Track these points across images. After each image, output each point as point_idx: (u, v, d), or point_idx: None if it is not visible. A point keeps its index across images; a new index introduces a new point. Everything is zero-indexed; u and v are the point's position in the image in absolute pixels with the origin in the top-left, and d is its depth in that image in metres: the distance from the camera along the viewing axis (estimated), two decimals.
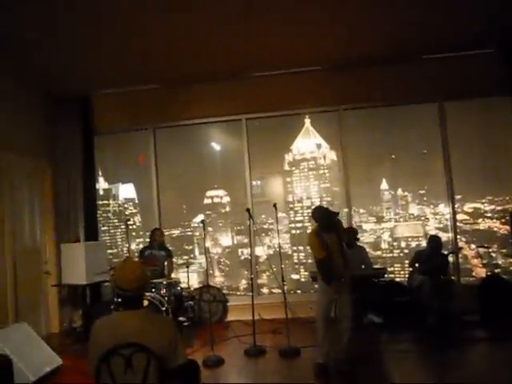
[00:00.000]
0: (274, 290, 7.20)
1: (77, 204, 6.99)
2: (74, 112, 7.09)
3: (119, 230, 7.90)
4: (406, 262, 6.68)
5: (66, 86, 6.79)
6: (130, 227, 6.97)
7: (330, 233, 4.47)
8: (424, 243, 6.77)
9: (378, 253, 7.41)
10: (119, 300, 5.57)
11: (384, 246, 7.47)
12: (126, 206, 8.06)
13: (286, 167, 7.75)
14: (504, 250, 6.83)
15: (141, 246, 7.24)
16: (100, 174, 7.77)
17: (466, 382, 4.00)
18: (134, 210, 8.08)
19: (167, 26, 5.21)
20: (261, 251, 7.30)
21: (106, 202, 7.97)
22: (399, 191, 7.49)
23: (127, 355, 2.29)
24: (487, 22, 5.57)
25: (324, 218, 4.50)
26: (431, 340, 5.32)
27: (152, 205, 7.33)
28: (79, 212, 7.00)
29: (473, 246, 7.02)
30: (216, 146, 7.69)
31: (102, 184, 7.90)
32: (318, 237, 4.47)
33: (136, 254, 6.72)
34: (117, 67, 6.27)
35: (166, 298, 5.83)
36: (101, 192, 7.84)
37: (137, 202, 8.09)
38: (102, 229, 7.69)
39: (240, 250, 7.81)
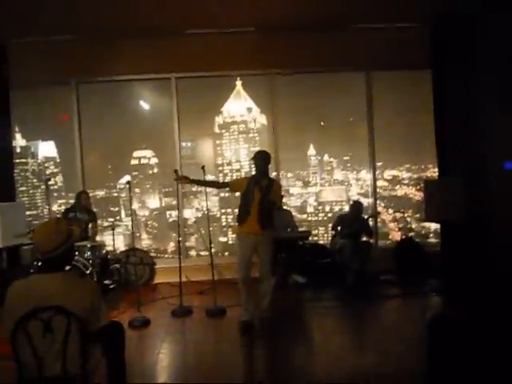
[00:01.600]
0: (201, 253, 7.25)
1: None
2: None
3: (39, 191, 7.47)
4: (330, 225, 6.98)
5: None
6: (51, 187, 6.63)
7: (261, 182, 4.50)
8: (347, 208, 7.10)
9: (304, 216, 7.68)
10: (39, 264, 5.41)
11: (309, 209, 7.74)
12: (46, 165, 7.60)
13: (217, 129, 7.68)
14: (417, 216, 7.35)
15: (62, 207, 6.93)
16: (17, 130, 7.23)
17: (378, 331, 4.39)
18: (56, 170, 7.65)
19: None
20: (189, 214, 7.27)
21: (23, 160, 7.46)
22: (325, 157, 7.74)
23: (46, 318, 2.22)
24: None
25: (259, 163, 4.56)
26: (351, 298, 5.70)
27: (75, 164, 6.98)
28: None
29: (390, 211, 7.48)
30: (144, 105, 7.40)
31: (19, 141, 7.36)
32: (247, 179, 4.61)
33: (58, 216, 6.43)
34: (37, 13, 5.67)
35: (91, 262, 5.69)
36: (18, 150, 7.31)
37: (58, 160, 7.64)
38: (20, 189, 7.22)
39: (168, 213, 7.74)
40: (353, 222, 6.46)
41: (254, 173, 4.72)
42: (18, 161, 7.18)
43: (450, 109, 6.58)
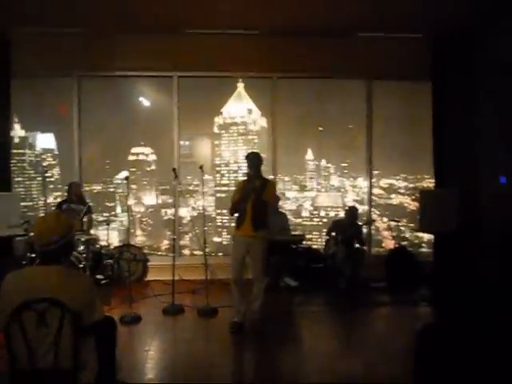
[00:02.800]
0: (195, 252, 7.26)
1: None
2: None
3: (35, 182, 7.45)
4: (324, 230, 7.01)
5: None
6: (48, 179, 6.61)
7: (254, 184, 4.50)
8: (341, 214, 7.14)
9: (299, 220, 7.71)
10: (32, 255, 5.41)
11: (305, 214, 7.77)
12: (43, 156, 7.57)
13: (216, 130, 7.69)
14: (412, 225, 7.39)
15: (58, 199, 6.90)
16: (16, 120, 7.20)
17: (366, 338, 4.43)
18: (53, 162, 7.62)
19: None
20: (185, 212, 7.28)
21: (21, 151, 7.42)
22: (323, 162, 7.77)
23: (40, 310, 2.23)
24: (421, 7, 5.77)
25: (252, 164, 4.58)
26: (341, 303, 5.74)
27: (72, 157, 6.96)
28: None
29: (385, 219, 7.52)
30: (145, 102, 7.40)
31: (17, 131, 7.33)
32: (242, 183, 4.62)
33: (53, 208, 6.41)
34: (41, 5, 5.70)
35: (84, 255, 5.69)
36: (16, 140, 7.28)
37: (56, 153, 7.62)
38: (16, 179, 7.18)
39: (164, 210, 7.74)
40: (347, 227, 6.50)
41: (246, 173, 4.70)
42: (15, 151, 7.15)
43: (448, 121, 6.66)
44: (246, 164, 4.64)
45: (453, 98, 6.63)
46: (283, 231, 6.38)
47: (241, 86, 7.35)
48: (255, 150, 4.93)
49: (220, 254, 7.53)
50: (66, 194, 6.41)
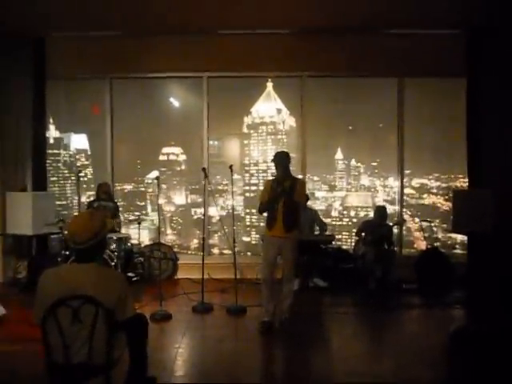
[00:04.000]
0: (224, 251, 7.30)
1: (25, 152, 6.65)
2: (26, 53, 6.60)
3: (69, 182, 7.66)
4: (354, 230, 6.93)
5: (19, 24, 6.29)
6: (81, 179, 6.78)
7: (284, 183, 4.47)
8: (371, 214, 7.03)
9: (328, 220, 7.63)
10: (67, 253, 5.56)
11: (334, 213, 7.71)
12: (77, 156, 7.79)
13: (245, 130, 7.72)
14: (444, 225, 7.22)
15: (91, 198, 7.07)
16: (51, 121, 7.42)
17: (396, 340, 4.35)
18: (86, 162, 7.83)
19: None
20: (214, 212, 7.33)
21: (56, 151, 7.66)
22: (353, 162, 7.68)
23: (75, 307, 2.29)
24: (456, 3, 5.64)
25: (280, 163, 4.53)
26: (371, 305, 5.65)
27: (105, 157, 7.12)
28: (27, 160, 6.67)
29: (417, 220, 7.37)
30: (175, 103, 7.50)
31: (52, 132, 7.55)
32: (270, 183, 4.58)
33: (85, 207, 6.58)
34: (75, 9, 5.86)
35: (116, 253, 5.80)
36: (51, 141, 7.50)
37: (89, 153, 7.82)
38: (52, 179, 7.41)
39: (193, 210, 7.82)
40: (377, 228, 6.40)
41: (274, 174, 4.66)
42: (50, 151, 7.36)
43: (483, 119, 6.47)
44: (274, 164, 4.60)
45: (488, 96, 6.44)
46: (313, 228, 6.32)
47: (270, 85, 7.35)
48: (283, 150, 4.87)
49: (249, 253, 7.55)
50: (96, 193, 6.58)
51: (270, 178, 4.66)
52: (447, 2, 5.56)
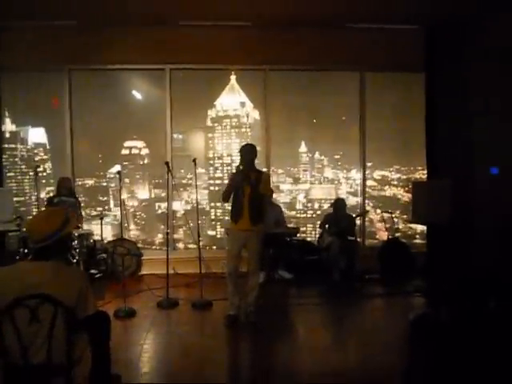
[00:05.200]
0: (189, 246, 7.26)
1: None
2: None
3: (27, 177, 7.39)
4: (318, 222, 7.03)
5: None
6: (40, 174, 6.56)
7: (250, 176, 4.47)
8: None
9: (293, 213, 7.71)
10: (25, 251, 5.38)
11: (298, 206, 7.78)
12: (35, 151, 7.52)
13: (209, 123, 7.66)
14: (405, 216, 7.42)
15: (51, 194, 6.86)
16: (7, 114, 7.13)
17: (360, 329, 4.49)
18: (45, 157, 7.57)
19: None
20: (178, 206, 7.27)
21: (12, 145, 7.36)
22: (316, 154, 7.77)
23: (33, 306, 2.22)
24: None
25: (246, 156, 4.51)
26: (336, 295, 5.77)
27: (65, 152, 6.92)
28: None
29: (378, 211, 7.54)
30: (137, 95, 7.35)
31: (8, 126, 7.26)
32: (234, 175, 4.55)
33: (45, 203, 6.37)
34: None
35: (78, 250, 5.67)
36: (7, 135, 7.21)
37: (48, 147, 7.56)
38: (8, 175, 7.13)
39: (157, 204, 7.72)
40: (340, 219, 6.52)
41: (238, 164, 4.61)
42: (6, 146, 7.10)
43: (441, 112, 6.66)
44: (240, 155, 4.58)
45: (446, 89, 6.62)
46: (278, 224, 6.38)
47: (233, 78, 7.31)
48: (250, 142, 4.85)
49: (214, 247, 7.53)
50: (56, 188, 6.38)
51: (235, 170, 4.63)
52: None
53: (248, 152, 4.56)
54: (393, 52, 6.73)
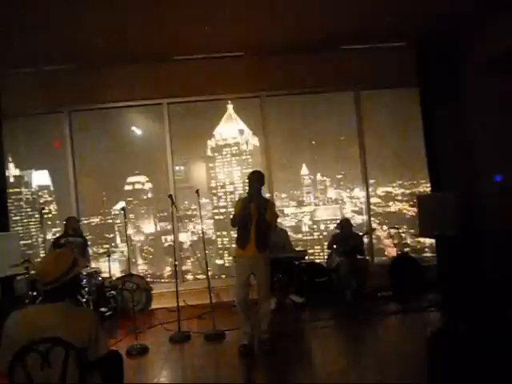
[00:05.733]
0: (198, 276, 7.21)
1: None
2: None
3: (33, 220, 7.43)
4: (325, 243, 6.99)
5: None
6: (45, 216, 6.60)
7: (255, 203, 4.48)
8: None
9: (299, 236, 7.68)
10: (34, 293, 5.36)
11: (304, 228, 7.76)
12: (40, 193, 7.58)
13: (209, 153, 7.73)
14: (412, 230, 7.37)
15: (57, 235, 6.88)
16: (10, 159, 7.23)
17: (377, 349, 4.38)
18: (49, 198, 7.63)
19: (83, 8, 4.93)
20: (184, 237, 7.26)
21: (17, 189, 7.44)
22: (318, 176, 7.79)
23: (44, 351, 2.21)
24: (402, 16, 5.87)
25: (255, 182, 4.54)
26: (349, 316, 5.67)
27: (69, 192, 6.98)
28: None
29: (385, 227, 7.50)
30: (137, 131, 7.45)
31: (12, 170, 7.35)
32: (242, 202, 4.56)
33: (51, 244, 6.38)
34: (28, 44, 5.76)
35: (87, 289, 5.64)
36: (11, 179, 7.30)
37: (52, 189, 7.63)
38: (14, 218, 7.19)
39: (163, 237, 7.71)
40: (347, 239, 6.48)
41: (245, 194, 4.69)
42: (11, 190, 7.17)
43: (438, 123, 6.69)
44: (249, 182, 4.60)
45: (441, 101, 6.68)
46: (285, 248, 6.35)
47: (230, 107, 7.42)
48: (258, 169, 4.88)
49: (223, 276, 7.48)
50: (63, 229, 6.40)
51: (242, 197, 4.67)
52: (394, 15, 5.77)
53: (256, 179, 4.58)
54: (386, 69, 6.81)
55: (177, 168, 7.27)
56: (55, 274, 2.37)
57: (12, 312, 2.40)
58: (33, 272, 5.40)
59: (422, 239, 7.40)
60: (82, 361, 2.26)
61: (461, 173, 6.44)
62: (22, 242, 6.90)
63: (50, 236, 7.04)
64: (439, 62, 6.68)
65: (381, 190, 7.69)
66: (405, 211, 7.65)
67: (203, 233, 5.56)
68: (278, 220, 6.51)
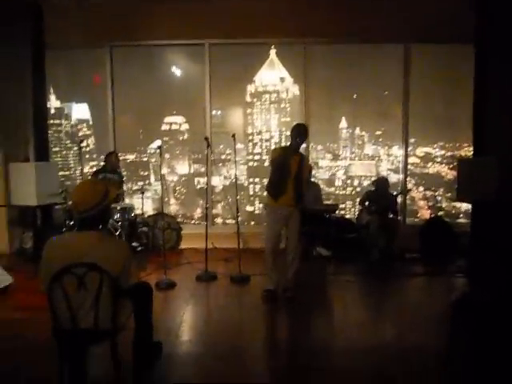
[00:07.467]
0: (227, 221, 7.33)
1: (26, 123, 6.58)
2: (24, 22, 6.43)
3: (72, 152, 7.63)
4: (358, 199, 6.92)
5: None
6: (84, 149, 6.74)
7: (295, 156, 4.45)
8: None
9: (332, 189, 7.63)
10: (71, 223, 5.59)
11: (338, 183, 7.68)
12: (79, 126, 7.73)
13: (248, 98, 7.62)
14: (449, 194, 7.19)
15: (94, 168, 7.06)
16: (52, 91, 7.33)
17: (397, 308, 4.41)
18: (88, 132, 7.78)
19: None
20: (217, 181, 7.32)
21: (57, 121, 7.60)
22: (357, 130, 7.60)
23: (80, 274, 2.31)
24: None
25: (296, 136, 4.45)
26: (374, 274, 5.69)
27: (107, 127, 7.06)
28: (29, 131, 6.60)
29: (421, 189, 7.34)
30: (177, 71, 7.38)
31: (53, 102, 7.48)
32: (282, 151, 4.51)
33: (89, 177, 6.56)
34: None
35: (120, 224, 5.83)
36: (52, 111, 7.44)
37: (91, 123, 7.77)
38: (54, 149, 7.39)
39: (196, 179, 7.81)
40: (381, 198, 6.38)
41: (280, 144, 4.61)
42: (52, 122, 7.32)
43: (490, 87, 6.33)
44: (294, 133, 4.48)
45: (497, 63, 6.28)
46: (316, 201, 6.32)
47: (273, 52, 7.20)
48: (303, 122, 4.76)
49: (252, 222, 7.57)
50: (102, 163, 6.54)
51: (276, 146, 4.63)
52: None
53: (302, 133, 4.48)
54: (439, 23, 6.38)
55: (214, 111, 7.22)
56: (90, 203, 2.44)
57: (50, 238, 2.50)
58: (70, 202, 5.59)
59: (457, 204, 7.21)
60: (114, 287, 2.36)
61: (506, 140, 6.15)
62: (60, 173, 7.12)
63: (87, 169, 7.22)
64: (499, 20, 6.22)
65: (420, 150, 7.47)
66: (443, 174, 7.44)
67: (236, 178, 5.58)
68: (312, 172, 6.52)
